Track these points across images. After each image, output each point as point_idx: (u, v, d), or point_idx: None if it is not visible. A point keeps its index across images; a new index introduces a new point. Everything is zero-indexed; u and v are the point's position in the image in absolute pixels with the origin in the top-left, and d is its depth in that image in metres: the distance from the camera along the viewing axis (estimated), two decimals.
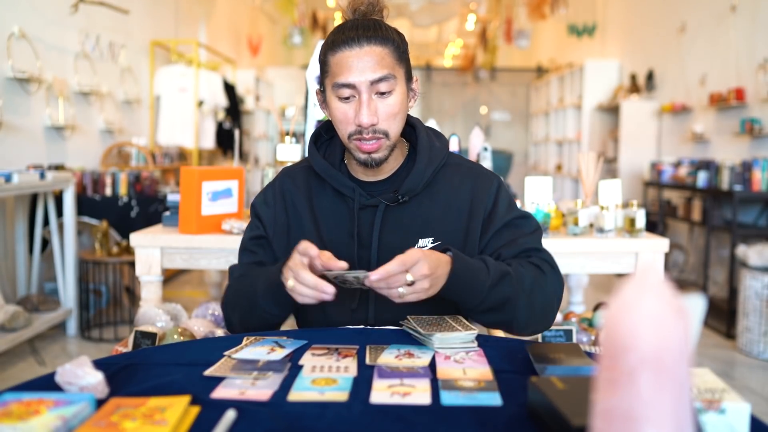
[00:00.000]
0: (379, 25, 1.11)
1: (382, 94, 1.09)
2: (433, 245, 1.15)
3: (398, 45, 1.11)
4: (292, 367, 0.86)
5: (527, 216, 1.21)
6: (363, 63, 1.07)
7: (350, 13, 1.14)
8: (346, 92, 1.09)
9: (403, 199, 1.16)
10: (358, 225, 1.16)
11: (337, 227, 1.18)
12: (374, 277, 0.92)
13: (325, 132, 1.26)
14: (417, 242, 1.16)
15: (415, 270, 0.94)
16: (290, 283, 0.97)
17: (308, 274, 0.96)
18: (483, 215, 1.18)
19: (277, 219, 1.23)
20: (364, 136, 1.10)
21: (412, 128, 1.23)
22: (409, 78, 1.16)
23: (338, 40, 1.09)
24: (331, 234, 1.18)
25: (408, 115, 1.21)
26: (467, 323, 1.01)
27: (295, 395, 0.76)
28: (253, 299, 1.11)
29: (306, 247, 0.98)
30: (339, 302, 1.16)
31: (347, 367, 0.86)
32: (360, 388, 0.79)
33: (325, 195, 1.20)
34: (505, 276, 1.05)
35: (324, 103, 1.17)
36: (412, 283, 0.94)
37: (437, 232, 1.16)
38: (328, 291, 0.95)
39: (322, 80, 1.15)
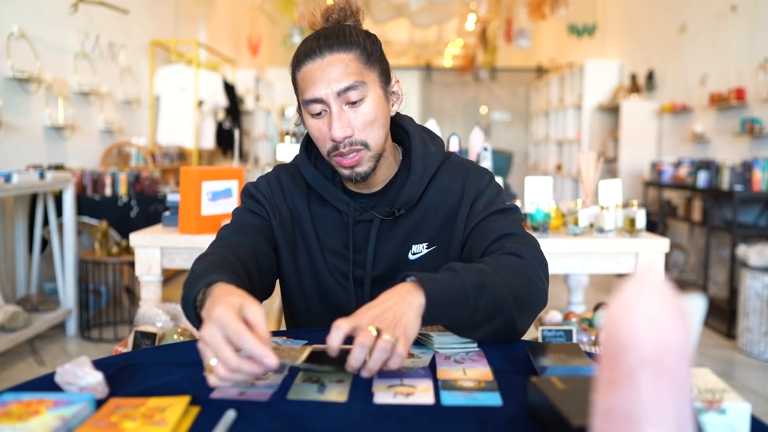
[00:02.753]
0: (342, 31, 1.04)
1: (354, 103, 1.02)
2: (428, 250, 1.12)
3: (365, 48, 1.04)
4: (291, 368, 0.86)
5: (508, 209, 1.11)
6: (326, 74, 1.01)
7: (323, 22, 1.09)
8: (317, 107, 1.03)
9: (399, 213, 1.11)
10: (353, 239, 1.13)
11: (334, 235, 1.14)
12: (352, 368, 0.77)
13: None
14: (411, 248, 1.12)
15: (362, 317, 0.79)
16: (212, 362, 0.73)
17: (231, 354, 0.72)
18: (468, 209, 1.12)
19: (279, 207, 1.16)
20: (341, 150, 1.03)
21: (405, 131, 1.16)
22: (386, 81, 1.08)
23: (301, 54, 1.04)
24: (329, 240, 1.14)
25: (400, 117, 1.16)
26: None
27: (295, 394, 0.76)
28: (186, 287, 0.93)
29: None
30: (334, 310, 1.15)
31: None
32: (361, 388, 0.79)
33: (322, 200, 1.16)
34: (482, 275, 0.91)
35: (303, 121, 1.11)
36: (378, 333, 0.77)
37: (430, 236, 1.13)
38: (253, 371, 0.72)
39: (297, 98, 1.10)
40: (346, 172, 1.06)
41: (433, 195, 1.14)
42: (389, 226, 1.13)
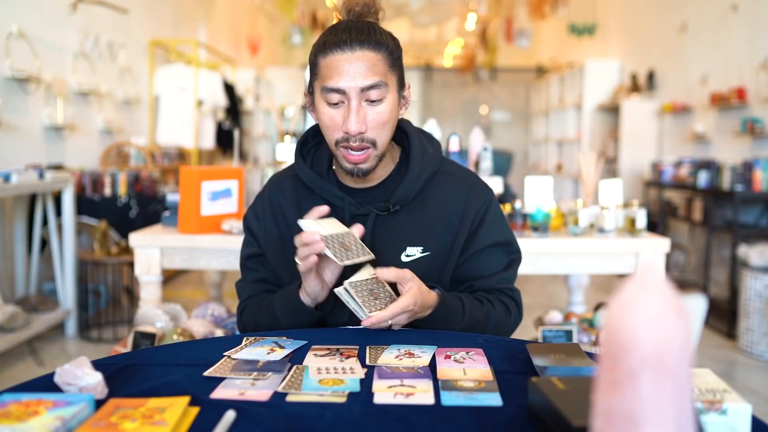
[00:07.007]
0: (373, 28, 1.06)
1: (372, 101, 1.05)
2: (421, 255, 1.14)
3: (392, 51, 1.08)
4: (291, 368, 0.86)
5: (508, 242, 1.20)
6: (354, 68, 1.03)
7: (344, 14, 1.10)
8: (335, 97, 1.05)
9: (394, 208, 1.13)
10: None
11: None
12: (373, 321, 0.97)
13: (312, 138, 1.22)
14: (405, 250, 1.14)
15: (409, 302, 1.00)
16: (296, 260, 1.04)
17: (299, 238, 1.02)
18: (469, 230, 1.16)
19: (268, 233, 1.21)
20: (351, 144, 1.06)
21: (404, 133, 1.19)
22: (401, 85, 1.12)
23: (330, 41, 1.05)
24: None
25: (399, 119, 1.17)
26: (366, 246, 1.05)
27: (300, 396, 0.76)
28: (275, 326, 1.13)
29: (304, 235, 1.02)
30: (337, 308, 1.16)
31: (353, 368, 0.85)
32: (363, 388, 0.79)
33: (314, 204, 1.16)
34: (476, 324, 1.10)
35: (312, 105, 1.13)
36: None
37: (426, 242, 1.15)
38: (315, 240, 0.99)
39: (311, 82, 1.11)
40: (349, 166, 1.09)
41: (433, 202, 1.16)
42: (386, 224, 1.15)
